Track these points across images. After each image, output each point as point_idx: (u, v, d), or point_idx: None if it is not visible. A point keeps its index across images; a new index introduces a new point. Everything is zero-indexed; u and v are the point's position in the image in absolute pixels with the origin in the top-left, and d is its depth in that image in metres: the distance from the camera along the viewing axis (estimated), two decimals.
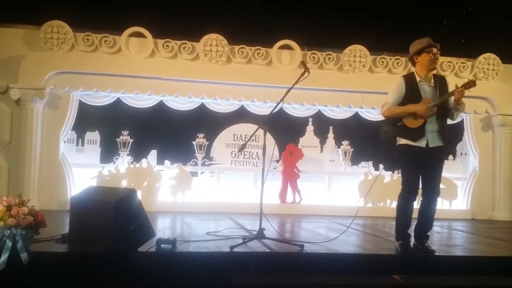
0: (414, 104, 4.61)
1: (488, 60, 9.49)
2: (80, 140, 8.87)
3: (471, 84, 4.55)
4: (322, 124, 9.58)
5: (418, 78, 4.73)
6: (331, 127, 9.61)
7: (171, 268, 4.10)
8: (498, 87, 9.45)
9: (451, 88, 4.69)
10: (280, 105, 5.20)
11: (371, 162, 9.53)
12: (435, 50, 4.69)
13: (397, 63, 9.25)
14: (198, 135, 9.15)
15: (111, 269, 3.96)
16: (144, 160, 8.83)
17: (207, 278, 4.03)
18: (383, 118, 4.95)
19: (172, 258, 4.23)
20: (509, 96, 9.40)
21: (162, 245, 4.36)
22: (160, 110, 9.04)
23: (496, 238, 6.30)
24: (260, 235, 4.89)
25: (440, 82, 4.76)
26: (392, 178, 9.05)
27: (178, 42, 8.74)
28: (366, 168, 9.47)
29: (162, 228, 6.06)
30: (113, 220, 4.08)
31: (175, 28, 8.89)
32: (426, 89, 4.71)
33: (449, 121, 4.88)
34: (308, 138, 9.59)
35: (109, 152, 8.91)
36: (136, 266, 4.06)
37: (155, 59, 8.74)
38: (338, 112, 9.50)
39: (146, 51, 8.66)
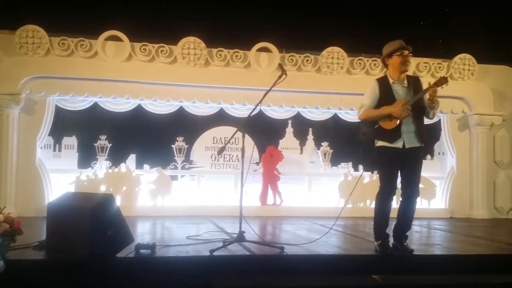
0: (389, 106, 4.67)
1: (464, 60, 9.61)
2: (57, 145, 8.75)
3: (443, 81, 4.59)
4: (301, 125, 9.60)
5: (391, 80, 4.79)
6: (310, 129, 9.64)
7: (150, 274, 4.06)
8: (474, 87, 9.58)
9: (425, 87, 4.73)
10: (258, 108, 5.20)
11: (351, 163, 9.57)
12: (406, 52, 4.74)
13: (374, 64, 9.32)
14: (177, 138, 9.09)
15: (89, 276, 3.91)
16: (122, 165, 8.74)
17: (187, 282, 4.01)
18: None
19: (151, 263, 4.20)
20: (485, 96, 9.55)
21: (141, 250, 4.33)
22: (139, 114, 8.97)
23: (474, 236, 6.37)
24: (240, 238, 4.88)
25: (414, 83, 4.82)
26: (371, 179, 9.10)
27: (156, 46, 8.68)
28: (345, 169, 9.50)
29: (142, 233, 6.01)
30: (90, 226, 4.03)
31: (152, 31, 8.86)
32: (399, 90, 4.77)
33: (427, 121, 4.94)
34: (288, 140, 9.60)
35: (87, 157, 8.80)
36: (114, 272, 4.01)
37: (132, 62, 8.67)
38: (317, 113, 9.53)
39: (123, 54, 8.58)
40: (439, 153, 9.91)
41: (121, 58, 8.59)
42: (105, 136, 8.85)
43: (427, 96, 4.62)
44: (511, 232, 6.80)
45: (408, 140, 4.68)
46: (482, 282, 4.25)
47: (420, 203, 9.17)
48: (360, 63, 9.33)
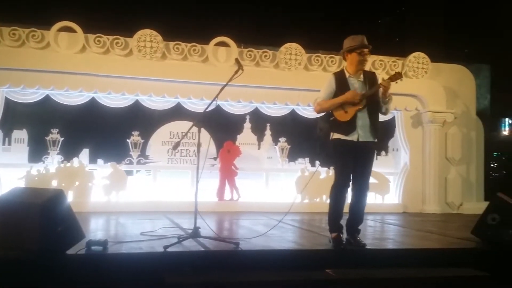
0: (341, 96, 4.72)
1: (418, 59, 9.81)
2: (6, 139, 8.46)
3: (397, 76, 4.66)
4: (259, 121, 9.60)
5: (347, 74, 4.85)
6: (268, 124, 9.65)
7: (101, 271, 3.97)
8: (427, 85, 9.80)
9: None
10: (214, 103, 5.15)
11: (308, 158, 9.63)
12: (366, 51, 4.78)
13: (332, 61, 9.41)
14: (133, 133, 8.91)
15: (38, 273, 3.80)
16: (75, 159, 8.51)
17: (140, 279, 3.93)
18: (317, 115, 5.04)
19: (103, 260, 4.11)
20: (438, 94, 9.79)
21: (92, 247, 4.22)
22: (92, 107, 8.77)
23: (425, 231, 6.53)
24: (195, 234, 4.83)
25: (370, 77, 4.89)
26: (328, 174, 9.19)
27: (110, 37, 8.49)
28: (303, 164, 9.56)
29: (95, 230, 5.87)
30: (40, 222, 3.93)
31: (107, 22, 8.67)
32: (355, 84, 4.83)
33: (382, 117, 5.01)
34: (246, 136, 9.58)
35: (37, 151, 8.54)
36: (64, 269, 3.92)
37: (86, 54, 8.45)
38: (275, 109, 9.56)
39: (76, 46, 8.36)
40: (393, 149, 10.10)
41: (75, 50, 8.37)
42: (57, 130, 8.59)
43: (381, 90, 4.68)
44: (461, 226, 6.98)
45: (362, 134, 4.74)
46: (433, 276, 4.36)
47: (375, 198, 9.38)
48: (317, 60, 9.40)
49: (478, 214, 5.48)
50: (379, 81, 4.84)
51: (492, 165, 13.50)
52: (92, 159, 8.71)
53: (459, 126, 10.03)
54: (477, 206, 8.94)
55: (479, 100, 10.77)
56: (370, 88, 4.76)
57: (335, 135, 4.81)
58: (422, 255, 4.80)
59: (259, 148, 9.63)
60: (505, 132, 24.37)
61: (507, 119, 25.15)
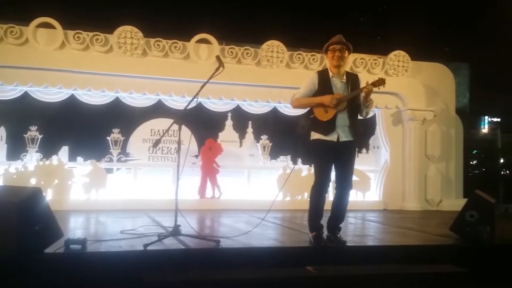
0: (321, 96, 4.72)
1: (398, 57, 9.89)
2: None
3: (380, 82, 4.70)
4: (241, 119, 9.60)
5: (330, 74, 4.85)
6: (250, 122, 9.66)
7: (80, 269, 3.92)
8: (408, 83, 9.89)
9: (362, 86, 4.82)
10: (195, 100, 5.12)
11: (289, 156, 9.66)
12: (336, 47, 4.78)
13: (313, 59, 9.43)
14: (113, 130, 8.84)
15: (15, 272, 3.74)
16: (54, 157, 8.42)
17: (119, 278, 3.89)
18: (299, 113, 5.04)
19: (81, 259, 4.05)
20: (418, 92, 9.88)
21: (71, 246, 4.16)
22: (72, 104, 8.68)
23: (405, 228, 6.58)
24: (175, 232, 4.81)
25: (352, 80, 4.89)
26: (309, 172, 9.22)
27: (90, 34, 8.41)
28: (284, 162, 9.58)
29: (74, 228, 5.81)
30: (17, 221, 3.86)
31: (86, 19, 8.58)
32: (338, 84, 4.83)
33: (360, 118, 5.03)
34: (228, 133, 9.58)
35: (16, 148, 8.44)
36: (42, 268, 3.85)
37: (65, 51, 8.36)
38: (257, 107, 9.56)
39: (55, 42, 8.26)
40: (374, 147, 10.18)
41: (54, 46, 8.27)
42: (36, 127, 8.50)
43: (362, 94, 4.71)
44: (440, 223, 7.05)
45: (342, 133, 4.76)
46: (412, 272, 4.39)
47: (355, 196, 9.43)
48: (299, 58, 9.41)
49: (457, 211, 5.53)
50: (362, 82, 4.87)
51: (471, 163, 13.66)
52: (72, 157, 8.63)
53: (439, 124, 10.14)
54: (456, 203, 9.05)
55: (458, 98, 10.90)
56: (352, 90, 4.77)
57: (315, 135, 4.82)
58: (402, 252, 4.82)
59: (240, 146, 9.63)
60: (484, 129, 24.78)
61: (486, 117, 25.57)
